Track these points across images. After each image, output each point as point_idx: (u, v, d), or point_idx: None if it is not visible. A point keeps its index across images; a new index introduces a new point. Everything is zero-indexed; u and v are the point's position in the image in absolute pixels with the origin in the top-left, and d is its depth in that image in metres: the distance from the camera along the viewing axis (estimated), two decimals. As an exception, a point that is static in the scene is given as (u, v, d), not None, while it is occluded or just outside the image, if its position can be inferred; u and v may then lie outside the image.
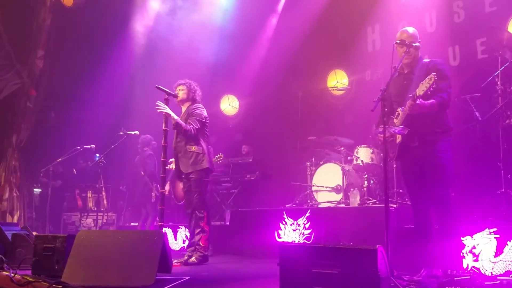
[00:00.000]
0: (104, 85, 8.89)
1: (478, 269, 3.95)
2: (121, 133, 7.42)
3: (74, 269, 3.63)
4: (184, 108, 5.62)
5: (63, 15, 8.36)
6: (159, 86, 5.23)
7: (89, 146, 7.74)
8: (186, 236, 7.00)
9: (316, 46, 8.77)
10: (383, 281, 2.76)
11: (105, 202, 9.38)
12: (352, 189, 6.39)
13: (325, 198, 6.69)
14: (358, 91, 8.39)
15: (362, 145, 6.53)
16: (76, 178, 9.53)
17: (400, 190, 5.94)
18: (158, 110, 5.16)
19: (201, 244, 5.34)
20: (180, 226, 7.35)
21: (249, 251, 6.33)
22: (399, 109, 3.90)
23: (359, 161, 6.40)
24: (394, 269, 3.39)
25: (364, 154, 6.41)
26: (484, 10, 6.64)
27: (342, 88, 8.60)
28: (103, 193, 9.25)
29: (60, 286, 3.31)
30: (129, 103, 9.73)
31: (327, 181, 6.72)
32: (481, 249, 3.96)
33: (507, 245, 3.82)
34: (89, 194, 9.62)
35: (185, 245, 6.72)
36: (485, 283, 3.56)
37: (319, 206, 6.61)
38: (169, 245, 5.35)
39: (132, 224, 9.00)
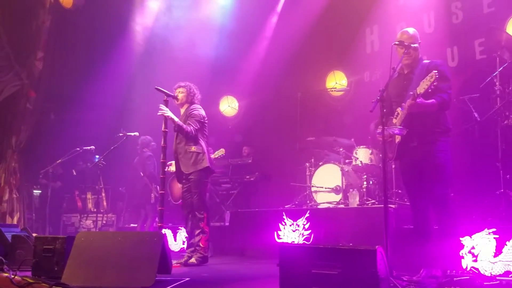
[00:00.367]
0: (104, 86, 8.89)
1: (477, 269, 3.96)
2: (120, 134, 7.42)
3: (74, 270, 3.64)
4: (182, 110, 5.64)
5: (63, 16, 8.37)
6: (159, 88, 5.24)
7: (88, 147, 7.74)
8: (186, 237, 7.00)
9: (315, 47, 8.79)
10: (382, 282, 2.77)
11: (104, 204, 9.38)
12: (351, 190, 6.40)
13: (325, 198, 6.70)
14: (357, 92, 8.41)
15: (361, 146, 6.55)
16: (76, 180, 9.53)
17: (399, 191, 5.95)
18: (159, 113, 5.18)
19: (201, 245, 5.35)
20: (179, 227, 7.35)
21: (248, 252, 6.34)
22: (399, 109, 3.91)
23: (358, 162, 6.41)
24: (393, 270, 3.39)
25: (363, 155, 6.42)
26: (482, 11, 6.66)
27: (341, 89, 8.62)
28: (103, 194, 9.26)
29: (60, 288, 3.32)
30: (129, 104, 9.73)
31: (326, 182, 6.73)
32: (480, 250, 3.97)
33: (506, 245, 3.83)
34: (88, 196, 9.61)
35: (185, 246, 6.73)
36: (484, 283, 3.57)
37: (319, 206, 6.62)
38: (169, 246, 5.35)
39: (131, 225, 8.99)
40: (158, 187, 7.01)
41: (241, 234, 6.66)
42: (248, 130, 10.00)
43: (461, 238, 4.07)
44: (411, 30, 4.09)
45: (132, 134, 7.45)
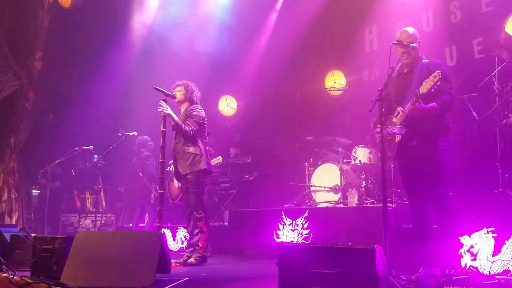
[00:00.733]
0: (102, 86, 8.89)
1: (476, 268, 3.96)
2: (119, 134, 7.42)
3: (72, 270, 3.63)
4: (182, 109, 5.63)
5: (61, 16, 8.35)
6: (157, 87, 5.24)
7: (87, 147, 7.73)
8: (185, 237, 7.00)
9: (313, 46, 8.79)
10: (381, 281, 2.77)
11: (103, 203, 9.38)
12: (350, 189, 6.40)
13: (324, 198, 6.71)
14: (356, 91, 8.41)
15: (360, 145, 6.55)
16: (75, 179, 9.53)
17: (398, 190, 5.96)
18: (159, 109, 5.18)
19: (200, 244, 5.35)
20: (178, 227, 7.35)
21: (247, 251, 6.34)
22: (399, 108, 3.89)
23: (357, 161, 6.42)
24: (392, 269, 3.39)
25: (362, 154, 6.43)
26: (480, 10, 6.66)
27: (340, 89, 8.62)
28: (102, 194, 9.26)
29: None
30: (127, 104, 9.72)
31: (325, 181, 6.73)
32: (479, 249, 3.97)
33: (505, 244, 3.83)
34: (87, 195, 9.61)
35: (184, 245, 6.72)
36: (483, 282, 3.57)
37: (318, 206, 6.62)
38: (168, 245, 5.36)
39: (130, 225, 8.99)
40: (157, 186, 7.03)
41: (240, 234, 6.66)
42: (247, 129, 10.00)
43: (460, 237, 4.07)
44: (410, 30, 4.09)
45: (131, 134, 7.45)
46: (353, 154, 6.54)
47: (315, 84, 8.96)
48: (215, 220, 8.13)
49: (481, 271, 3.92)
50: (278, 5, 9.45)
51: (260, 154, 8.97)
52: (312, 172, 6.95)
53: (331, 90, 8.70)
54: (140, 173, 7.88)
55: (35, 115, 8.30)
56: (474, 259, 3.98)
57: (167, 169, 5.38)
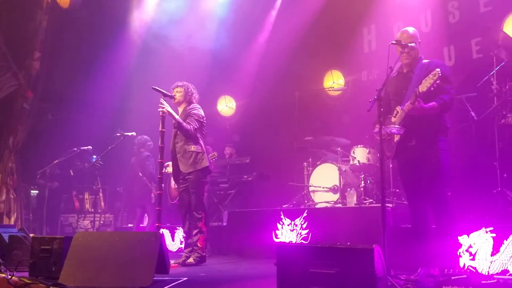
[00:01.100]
0: (101, 86, 8.87)
1: (475, 268, 3.96)
2: (118, 134, 7.41)
3: (71, 271, 3.63)
4: (180, 110, 5.64)
5: (60, 16, 8.34)
6: (156, 87, 5.24)
7: (86, 147, 7.72)
8: (184, 237, 7.00)
9: (312, 46, 8.79)
10: (380, 281, 2.77)
11: (102, 204, 9.36)
12: (349, 189, 6.40)
13: (322, 198, 6.71)
14: (355, 91, 8.42)
15: (359, 145, 6.56)
16: (73, 180, 9.51)
17: (397, 190, 5.97)
18: (160, 109, 5.19)
19: (198, 245, 5.35)
20: (177, 227, 7.34)
21: (246, 251, 6.34)
22: (398, 108, 3.89)
23: (355, 161, 6.42)
24: (391, 269, 3.40)
25: (360, 154, 6.43)
26: (479, 10, 6.66)
27: (339, 89, 8.62)
28: (100, 194, 9.23)
29: (58, 288, 3.31)
30: (126, 104, 9.71)
31: (324, 181, 6.73)
32: (477, 248, 3.98)
33: (504, 244, 3.83)
34: (86, 196, 9.60)
35: (183, 246, 6.72)
36: (482, 282, 3.57)
37: (316, 206, 6.62)
38: (167, 246, 5.36)
39: (129, 225, 8.98)
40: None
41: (239, 234, 6.66)
42: (245, 130, 10.01)
43: (458, 237, 4.07)
44: (411, 30, 4.09)
45: (130, 134, 7.44)
46: (352, 154, 6.55)
47: (313, 84, 8.96)
48: (214, 220, 8.12)
49: (479, 271, 3.92)
50: (277, 5, 9.45)
51: (258, 154, 8.97)
52: (311, 172, 6.95)
53: (329, 90, 8.70)
54: (140, 173, 7.86)
55: (33, 116, 8.28)
56: (473, 259, 3.99)
57: (164, 171, 5.37)
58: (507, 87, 5.28)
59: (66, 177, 9.28)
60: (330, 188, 6.67)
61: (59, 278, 3.59)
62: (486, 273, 3.87)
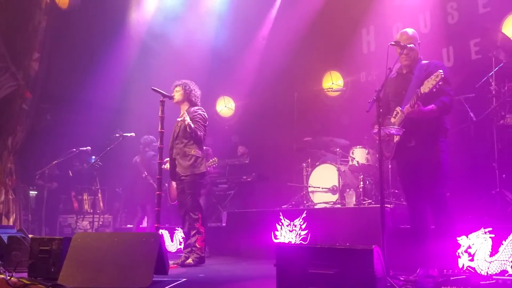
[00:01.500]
0: (100, 86, 8.87)
1: (473, 268, 3.97)
2: (117, 135, 7.40)
3: (70, 272, 3.63)
4: (182, 109, 5.62)
5: (59, 17, 8.35)
6: (155, 88, 5.23)
7: (84, 148, 7.71)
8: (183, 238, 7.00)
9: (311, 47, 8.80)
10: (379, 281, 2.77)
11: (101, 204, 9.36)
12: (348, 190, 6.40)
13: (321, 199, 6.71)
14: (353, 92, 8.42)
15: (358, 146, 6.56)
16: (72, 180, 9.50)
17: (396, 191, 5.97)
18: (186, 122, 5.27)
19: (197, 245, 5.34)
20: (176, 228, 7.34)
21: (245, 252, 6.34)
22: (398, 109, 3.89)
23: (354, 162, 6.42)
24: (390, 269, 3.40)
25: (359, 155, 6.43)
26: (478, 11, 6.67)
27: (337, 89, 8.62)
28: (99, 195, 9.23)
29: (57, 289, 3.31)
30: (125, 104, 9.72)
31: (323, 182, 6.73)
32: (476, 249, 3.98)
33: (502, 244, 3.84)
34: (85, 196, 9.60)
35: (182, 246, 6.72)
36: (481, 282, 3.58)
37: (315, 207, 6.62)
38: (166, 246, 5.35)
39: (128, 226, 8.97)
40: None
41: (238, 235, 6.66)
42: (244, 130, 10.00)
43: (457, 238, 4.08)
44: (410, 31, 4.09)
45: (129, 134, 7.42)
46: (351, 154, 6.55)
47: (312, 85, 8.96)
48: (213, 221, 8.12)
49: (478, 272, 3.93)
50: (276, 6, 9.45)
51: (258, 155, 8.97)
52: (310, 173, 6.95)
53: (328, 91, 8.71)
54: (144, 172, 7.82)
55: (32, 116, 8.28)
56: (472, 260, 4.00)
57: (163, 167, 5.36)
58: (506, 88, 5.28)
59: (65, 178, 9.27)
60: (329, 188, 6.67)
61: (58, 279, 3.59)
62: (485, 274, 3.87)
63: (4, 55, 7.95)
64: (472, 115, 5.62)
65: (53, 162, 7.83)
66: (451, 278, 3.62)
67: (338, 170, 6.60)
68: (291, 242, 5.84)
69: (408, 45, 3.94)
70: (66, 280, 3.54)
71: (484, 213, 4.95)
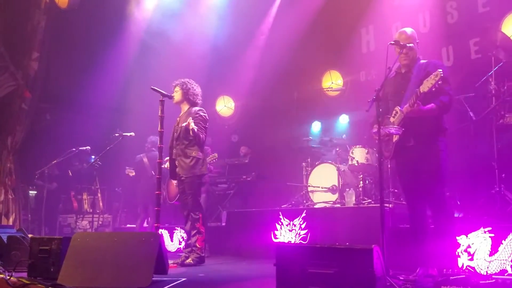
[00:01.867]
0: (99, 86, 8.87)
1: (473, 268, 3.97)
2: (116, 134, 7.38)
3: (70, 271, 3.63)
4: (182, 109, 5.61)
5: (58, 16, 8.33)
6: (154, 88, 5.22)
7: (84, 148, 7.69)
8: (183, 237, 7.00)
9: (311, 47, 8.79)
10: (379, 281, 2.77)
11: (100, 204, 9.36)
12: (347, 189, 6.40)
13: (321, 198, 6.71)
14: (353, 91, 8.43)
15: (357, 146, 6.56)
16: (72, 180, 9.51)
17: (395, 190, 5.97)
18: (191, 127, 5.21)
19: (197, 245, 5.34)
20: (176, 228, 7.34)
21: (245, 251, 6.34)
22: (397, 108, 3.89)
23: (354, 162, 6.42)
24: (389, 269, 3.40)
25: (359, 154, 6.44)
26: (477, 11, 6.68)
27: (337, 89, 8.63)
28: (99, 195, 9.23)
29: (56, 288, 3.31)
30: (125, 104, 9.71)
31: (322, 182, 6.74)
32: (476, 248, 3.98)
33: (502, 244, 3.84)
34: (84, 196, 9.60)
35: (182, 246, 6.72)
36: (480, 282, 3.58)
37: (315, 206, 6.62)
38: (165, 246, 5.36)
39: (128, 225, 8.97)
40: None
41: (237, 234, 6.66)
42: (244, 130, 10.01)
43: (457, 237, 4.08)
44: (409, 30, 4.09)
45: (128, 134, 7.41)
46: (351, 154, 6.55)
47: (312, 85, 8.97)
48: (213, 220, 8.12)
49: (478, 271, 3.93)
50: (276, 5, 9.45)
51: (257, 154, 8.97)
52: (310, 173, 6.96)
53: (328, 91, 8.72)
54: (152, 172, 7.80)
55: (31, 116, 8.27)
56: (471, 259, 4.00)
57: (163, 166, 5.36)
58: (505, 87, 5.29)
59: (64, 178, 9.28)
60: (328, 188, 6.67)
61: (58, 279, 3.59)
62: (485, 273, 3.87)
63: (4, 55, 7.94)
64: (471, 114, 5.62)
65: (53, 162, 7.82)
66: (451, 277, 3.61)
67: (338, 169, 6.60)
68: (290, 241, 5.84)
69: (407, 45, 3.94)
70: (65, 280, 3.54)
71: (483, 213, 4.96)
